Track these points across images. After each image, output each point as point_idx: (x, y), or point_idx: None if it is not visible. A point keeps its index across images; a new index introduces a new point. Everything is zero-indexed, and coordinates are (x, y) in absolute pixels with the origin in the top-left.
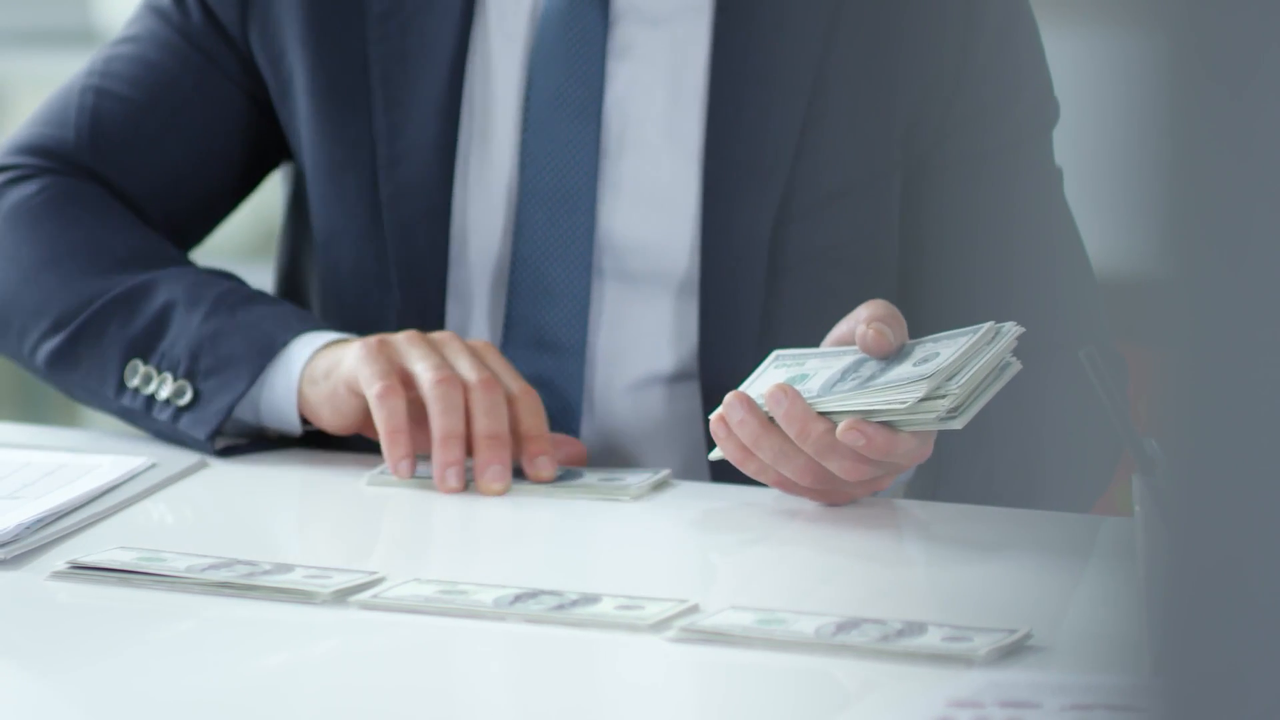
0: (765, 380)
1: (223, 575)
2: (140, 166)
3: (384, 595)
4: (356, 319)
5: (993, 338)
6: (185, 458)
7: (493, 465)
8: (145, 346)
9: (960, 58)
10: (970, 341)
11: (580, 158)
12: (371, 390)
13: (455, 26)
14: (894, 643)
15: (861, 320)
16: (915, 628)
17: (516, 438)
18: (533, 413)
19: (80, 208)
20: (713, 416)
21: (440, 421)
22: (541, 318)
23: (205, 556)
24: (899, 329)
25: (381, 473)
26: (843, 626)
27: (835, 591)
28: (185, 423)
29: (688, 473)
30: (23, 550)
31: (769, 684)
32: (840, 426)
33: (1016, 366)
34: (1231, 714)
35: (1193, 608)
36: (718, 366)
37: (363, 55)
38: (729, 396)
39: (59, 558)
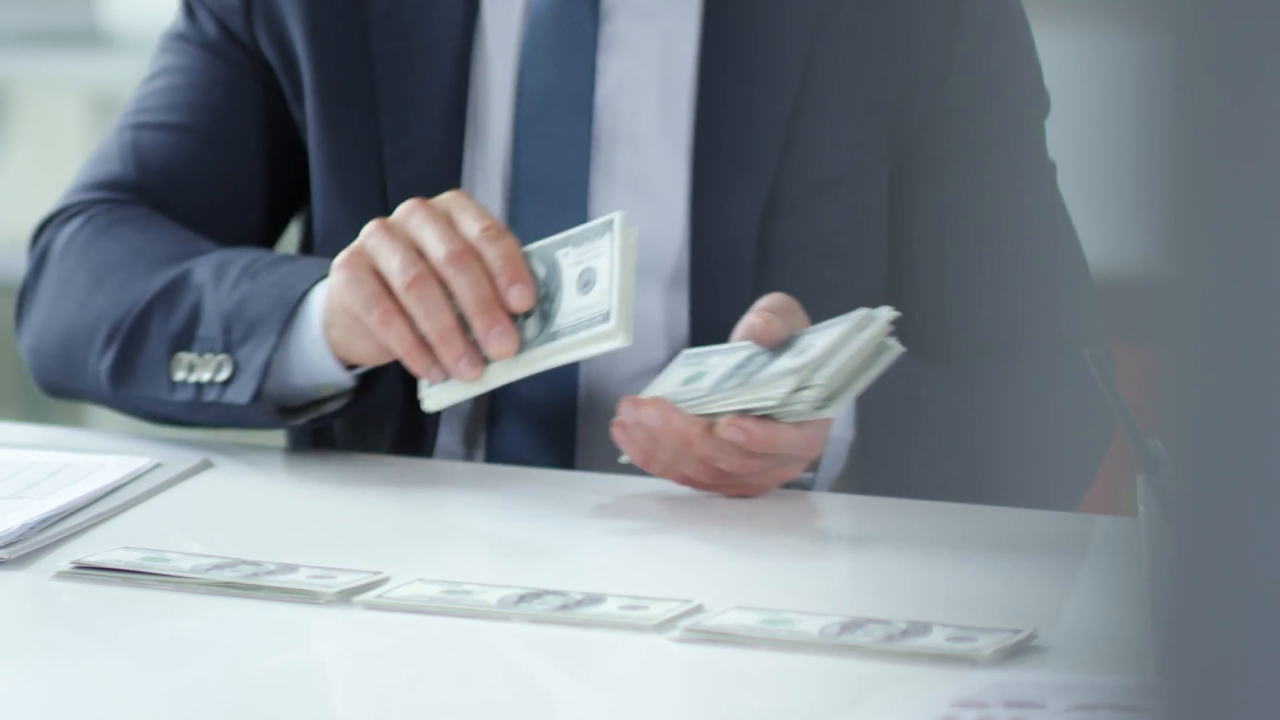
0: (669, 380)
1: (227, 575)
2: (187, 185)
3: (388, 595)
4: None
5: (866, 325)
6: (190, 457)
7: (492, 329)
8: (186, 337)
9: (947, 49)
10: (842, 331)
11: (572, 152)
12: (370, 320)
13: (458, 26)
14: (898, 643)
15: (752, 310)
16: (920, 628)
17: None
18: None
19: (124, 225)
20: (613, 423)
21: (427, 326)
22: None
23: (209, 556)
24: (790, 318)
25: (427, 387)
26: (847, 626)
27: (839, 591)
28: (229, 395)
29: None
30: (27, 550)
31: (773, 684)
32: (720, 425)
33: (896, 350)
34: (1236, 714)
35: (1197, 608)
36: None
37: (365, 54)
38: (622, 402)
39: (63, 558)
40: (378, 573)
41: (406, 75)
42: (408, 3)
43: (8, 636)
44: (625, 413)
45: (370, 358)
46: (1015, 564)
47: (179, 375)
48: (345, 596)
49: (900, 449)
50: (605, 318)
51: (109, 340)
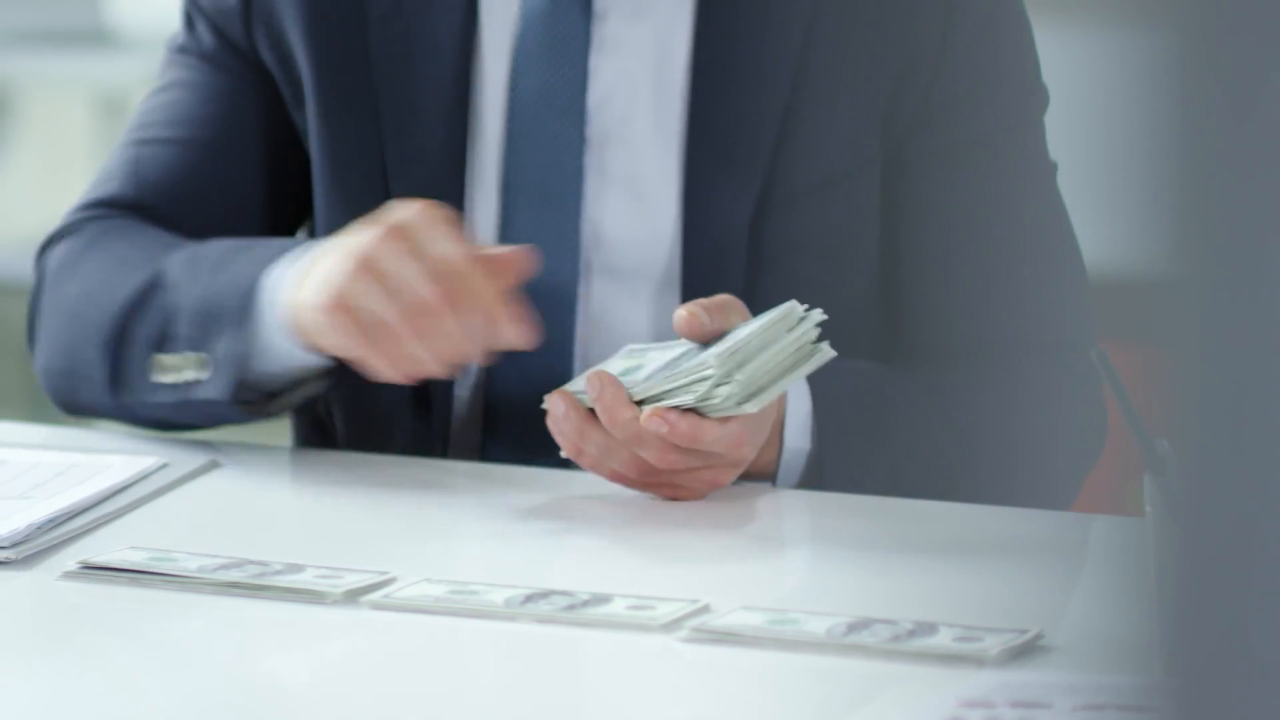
0: (608, 370)
1: (234, 575)
2: (188, 199)
3: (395, 595)
4: None
5: (795, 324)
6: (197, 457)
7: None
8: (164, 338)
9: (940, 47)
10: (766, 327)
11: (564, 155)
12: (369, 361)
13: (457, 27)
14: (905, 643)
15: (683, 305)
16: (926, 628)
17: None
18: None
19: (111, 235)
20: (548, 416)
21: (431, 356)
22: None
23: (216, 556)
24: (722, 314)
25: None
26: (854, 627)
27: (846, 591)
28: (207, 392)
29: None
30: (34, 550)
31: (780, 684)
32: (644, 414)
33: (827, 354)
34: (1243, 714)
35: (1203, 608)
36: None
37: (365, 57)
38: (552, 393)
39: (70, 558)
40: (384, 573)
41: (407, 78)
42: (406, 4)
43: (15, 636)
44: (553, 404)
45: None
46: (1022, 564)
47: (164, 377)
48: (352, 596)
49: (861, 459)
50: (708, 367)
51: (102, 351)
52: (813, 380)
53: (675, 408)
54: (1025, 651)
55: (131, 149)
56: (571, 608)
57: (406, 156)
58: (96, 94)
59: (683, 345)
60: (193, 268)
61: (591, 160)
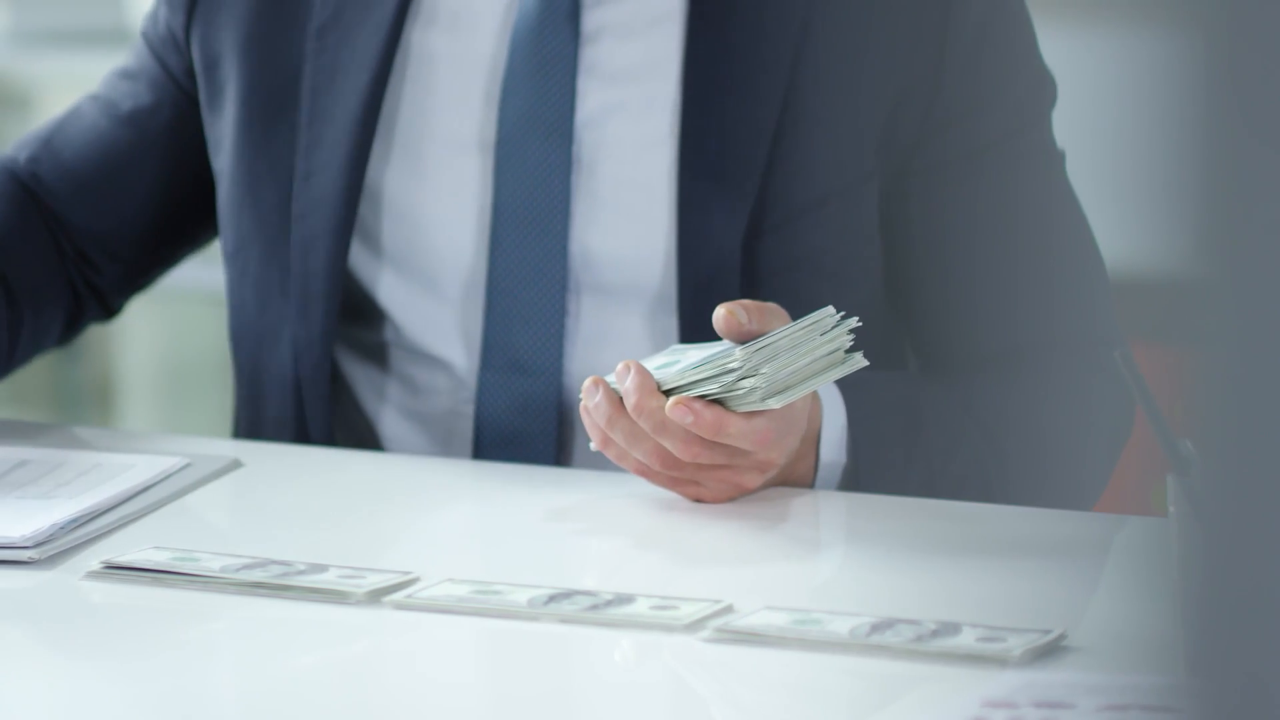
0: (647, 364)
1: (257, 575)
2: (87, 189)
3: (418, 595)
4: (256, 328)
5: (828, 329)
6: (220, 457)
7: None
8: None
9: (937, 59)
10: (795, 327)
11: (552, 178)
12: None
13: (381, 41)
14: (928, 643)
15: (722, 304)
16: (949, 628)
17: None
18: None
19: None
20: (581, 402)
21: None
22: (517, 341)
23: (239, 556)
24: (759, 315)
25: None
26: (877, 627)
27: (869, 592)
28: None
29: None
30: (57, 550)
31: (803, 685)
32: (669, 402)
33: (859, 363)
34: (1267, 715)
35: (1228, 608)
36: None
37: (297, 68)
38: (588, 380)
39: (93, 558)
40: (407, 573)
41: (329, 91)
42: (344, 16)
43: (38, 636)
44: (587, 390)
45: None
46: (1045, 564)
47: None
48: (375, 596)
49: (898, 471)
50: (735, 359)
51: None
52: (847, 393)
53: (701, 398)
54: (1049, 652)
55: (71, 117)
56: (595, 608)
57: (310, 169)
58: None
59: (723, 345)
60: None
61: (579, 182)
